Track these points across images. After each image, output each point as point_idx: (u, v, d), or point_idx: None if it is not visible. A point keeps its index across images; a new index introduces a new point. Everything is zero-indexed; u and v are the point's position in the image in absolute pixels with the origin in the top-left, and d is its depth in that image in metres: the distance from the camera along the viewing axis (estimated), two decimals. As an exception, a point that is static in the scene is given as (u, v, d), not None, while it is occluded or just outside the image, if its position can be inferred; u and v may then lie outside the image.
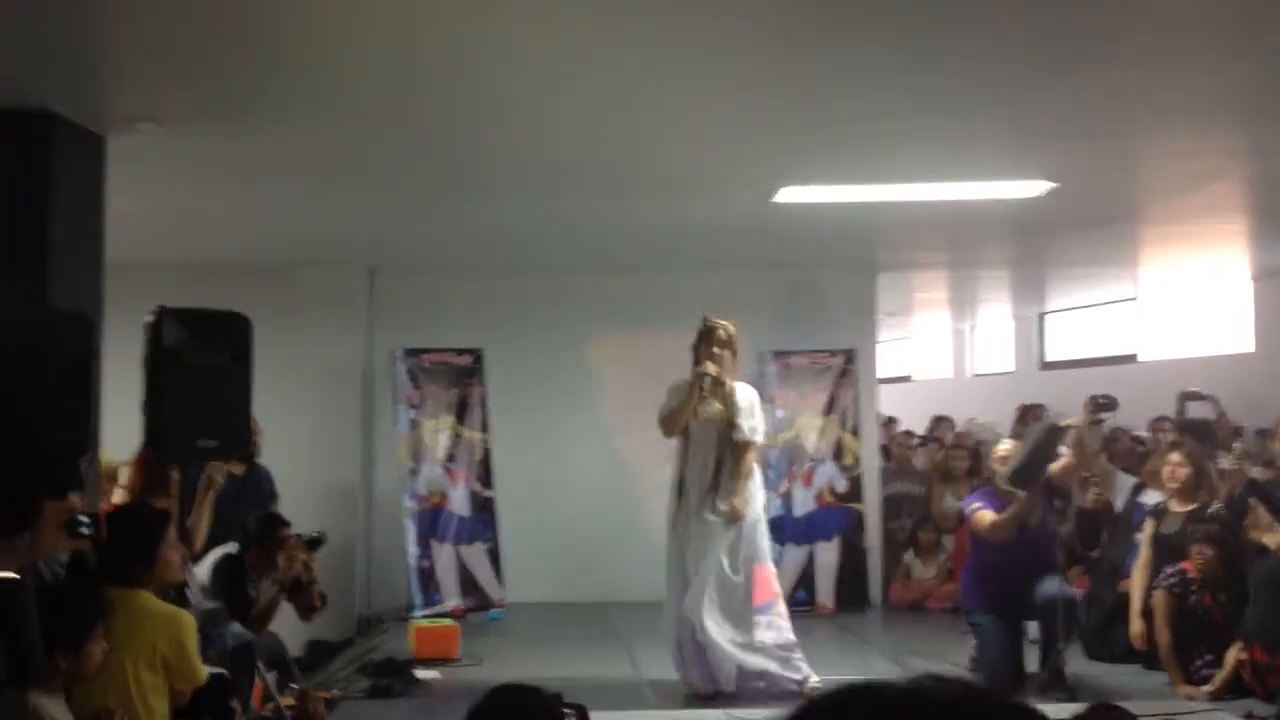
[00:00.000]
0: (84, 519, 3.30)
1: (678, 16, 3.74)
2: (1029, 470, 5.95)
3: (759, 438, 6.03)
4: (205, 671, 3.59)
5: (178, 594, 4.27)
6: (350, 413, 8.80)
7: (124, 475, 5.97)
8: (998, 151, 5.49)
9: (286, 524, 5.63)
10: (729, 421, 5.86)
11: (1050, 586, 5.92)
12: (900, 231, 7.77)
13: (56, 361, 4.59)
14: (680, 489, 5.94)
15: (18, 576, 1.67)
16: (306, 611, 5.68)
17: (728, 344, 5.95)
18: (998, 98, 4.61)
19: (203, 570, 5.30)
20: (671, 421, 5.96)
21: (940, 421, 10.81)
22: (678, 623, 5.84)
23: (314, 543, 5.53)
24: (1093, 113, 4.83)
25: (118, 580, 3.45)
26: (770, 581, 5.99)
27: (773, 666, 5.79)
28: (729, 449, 5.85)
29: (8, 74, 4.29)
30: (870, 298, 9.40)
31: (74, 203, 4.77)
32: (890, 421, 10.66)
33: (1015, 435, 8.48)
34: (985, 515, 6.05)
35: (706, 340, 5.96)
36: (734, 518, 5.81)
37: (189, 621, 3.59)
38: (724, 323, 6.03)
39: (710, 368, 5.86)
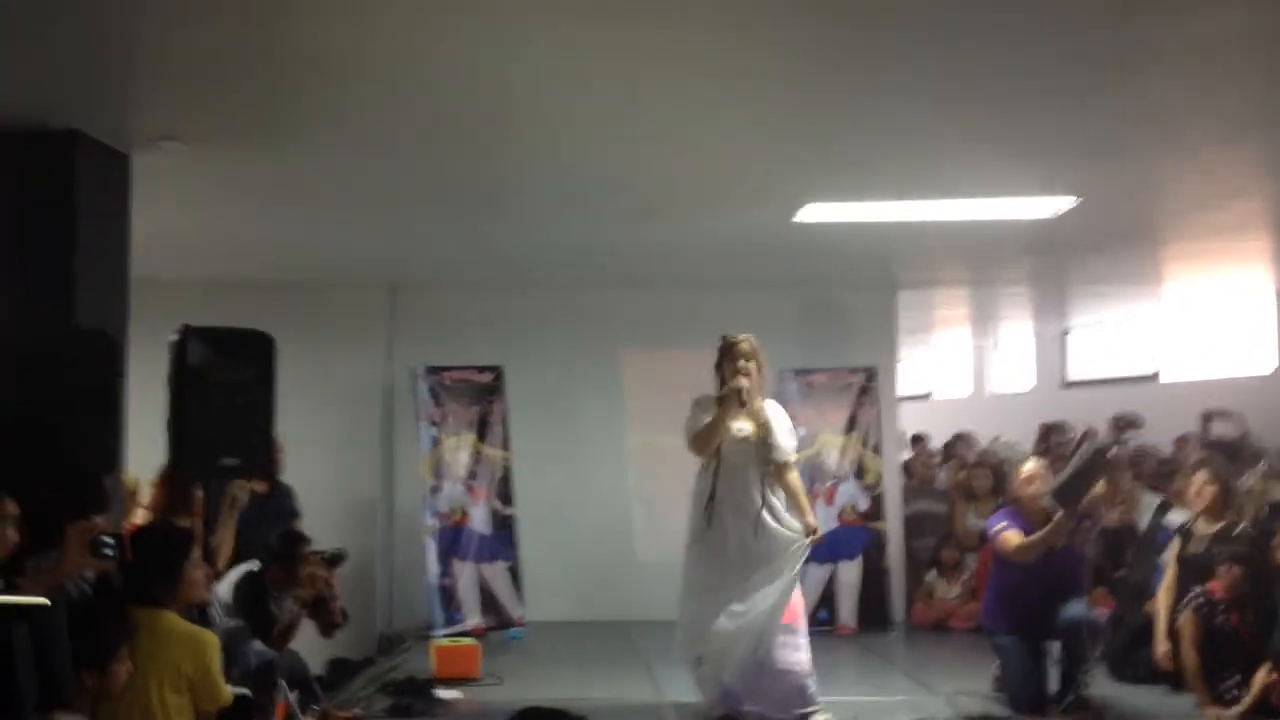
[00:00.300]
0: (108, 540, 3.31)
1: (700, 39, 3.75)
2: (1073, 489, 5.90)
3: (793, 456, 5.89)
4: (229, 692, 3.59)
5: (200, 613, 4.28)
6: (371, 430, 8.83)
7: (145, 493, 6.00)
8: (1021, 168, 5.47)
9: (307, 541, 5.63)
10: (764, 441, 5.71)
11: (1075, 609, 5.87)
12: (921, 249, 7.74)
13: (82, 381, 4.63)
14: (710, 508, 5.72)
15: (49, 602, 1.67)
16: (328, 628, 5.67)
17: (752, 357, 5.80)
18: (1022, 115, 4.60)
19: (224, 588, 5.31)
20: (704, 440, 5.74)
21: (960, 440, 10.73)
22: (713, 641, 5.61)
23: (334, 559, 5.53)
24: (1116, 130, 4.81)
25: (142, 600, 3.45)
26: (797, 605, 5.85)
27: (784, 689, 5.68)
28: (768, 469, 5.71)
29: (35, 94, 4.34)
30: (891, 315, 9.36)
31: (99, 222, 4.81)
32: (918, 439, 10.60)
33: (1038, 454, 8.43)
34: (1011, 537, 5.99)
35: (730, 356, 5.81)
36: (815, 533, 5.71)
37: (213, 642, 3.58)
38: (745, 337, 5.88)
39: (743, 381, 5.68)
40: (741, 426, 5.72)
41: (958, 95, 4.30)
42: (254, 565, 5.47)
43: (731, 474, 5.71)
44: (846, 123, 4.67)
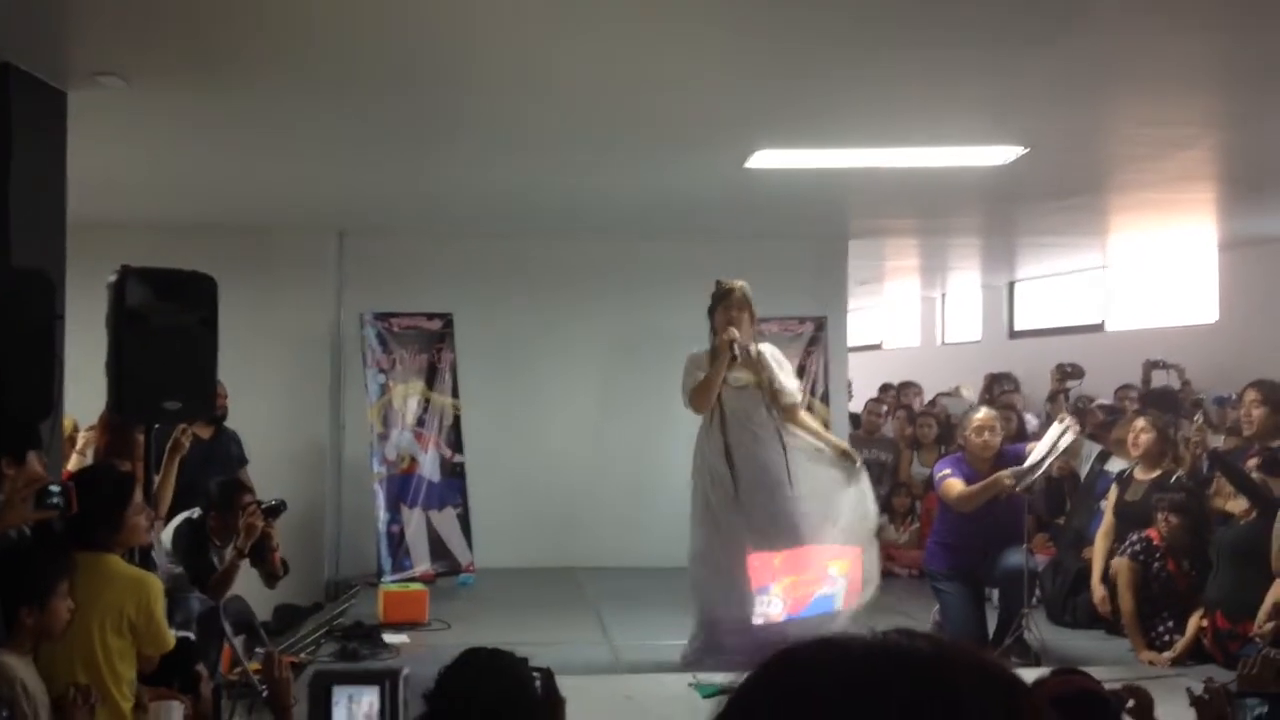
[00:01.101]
0: (54, 489, 3.25)
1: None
2: (1034, 472, 6.01)
3: (799, 396, 5.90)
4: (173, 637, 3.57)
5: (143, 557, 4.24)
6: (320, 377, 8.76)
7: (81, 439, 5.92)
8: (972, 116, 5.48)
9: (248, 489, 5.59)
10: (770, 387, 5.66)
11: (1014, 558, 5.99)
12: (872, 198, 7.76)
13: (19, 323, 4.52)
14: (729, 462, 5.60)
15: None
16: (269, 579, 5.66)
17: (745, 306, 5.75)
18: (974, 63, 4.60)
19: (166, 534, 5.27)
20: (702, 395, 5.65)
21: (907, 387, 10.87)
22: (723, 604, 5.59)
23: (274, 510, 5.48)
24: (1066, 79, 4.83)
25: (84, 544, 3.41)
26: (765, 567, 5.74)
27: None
28: (775, 418, 5.68)
29: (-35, 26, 4.19)
30: (842, 265, 9.41)
31: (35, 160, 4.68)
32: (906, 386, 10.72)
33: (983, 403, 8.55)
34: (954, 484, 6.08)
35: (724, 303, 5.72)
36: (853, 458, 5.80)
37: (156, 585, 3.56)
38: (739, 284, 5.80)
39: (734, 332, 5.61)
40: (738, 377, 5.65)
41: (910, 41, 4.28)
42: (194, 513, 5.42)
43: (740, 425, 5.65)
44: (798, 67, 4.64)
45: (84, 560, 3.37)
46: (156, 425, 4.86)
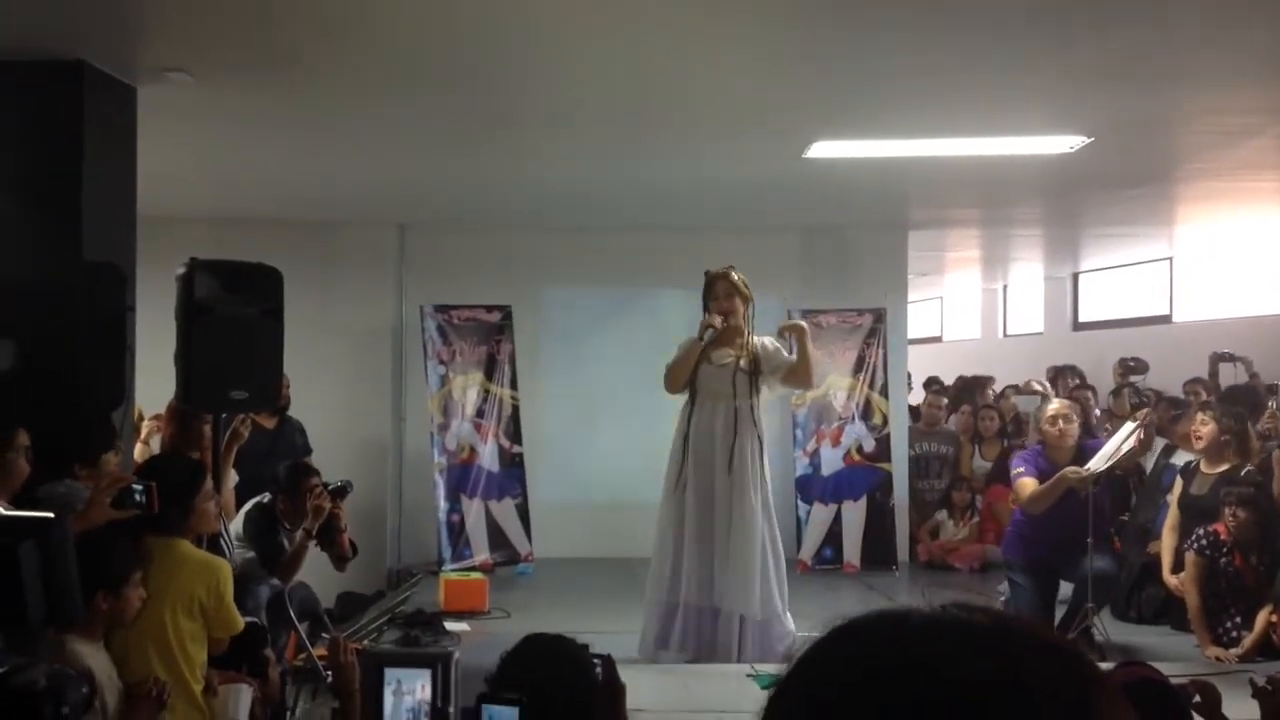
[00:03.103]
0: (137, 488, 3.32)
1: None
2: (1105, 462, 5.93)
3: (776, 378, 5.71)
4: (242, 620, 3.64)
5: (211, 544, 4.33)
6: (381, 368, 8.87)
7: (145, 428, 6.05)
8: (1034, 105, 5.41)
9: (315, 472, 5.68)
10: (752, 367, 5.57)
11: (1100, 562, 5.90)
12: (933, 188, 7.69)
13: (91, 315, 4.64)
14: (685, 445, 5.60)
15: (53, 515, 1.70)
16: (338, 561, 5.74)
17: (734, 292, 5.67)
18: (1036, 51, 4.54)
19: (236, 521, 5.37)
20: (673, 375, 5.69)
21: (975, 381, 10.75)
22: (671, 589, 5.55)
23: (340, 491, 5.56)
24: (1131, 66, 4.75)
25: (156, 529, 3.48)
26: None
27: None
28: (746, 400, 5.58)
29: (39, 24, 4.30)
30: (901, 256, 9.32)
31: (106, 155, 4.79)
32: (975, 380, 10.60)
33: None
34: (1027, 484, 6.00)
35: (710, 292, 5.71)
36: (797, 329, 5.73)
37: (226, 569, 3.63)
38: (724, 271, 5.74)
39: (716, 319, 5.61)
40: (722, 354, 5.61)
41: (970, 30, 4.24)
42: (264, 498, 5.52)
43: (707, 405, 5.61)
44: (857, 58, 4.61)
45: (155, 545, 3.44)
46: (224, 415, 4.95)
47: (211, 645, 3.57)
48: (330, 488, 5.45)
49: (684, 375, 5.66)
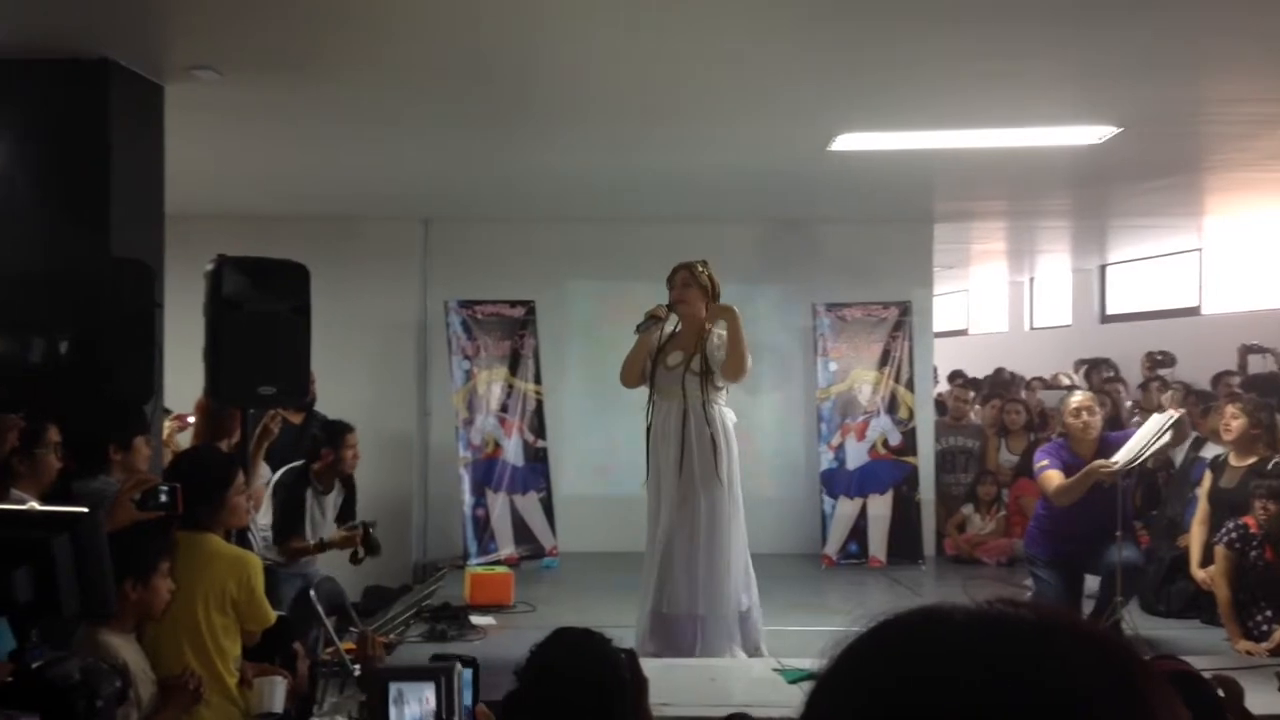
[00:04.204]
0: (162, 489, 3.36)
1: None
2: (1137, 459, 5.88)
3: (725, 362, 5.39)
4: (273, 613, 3.66)
5: (240, 538, 4.36)
6: (406, 363, 8.91)
7: (166, 429, 6.12)
8: (1063, 95, 5.37)
9: (351, 428, 5.86)
10: (703, 366, 5.34)
11: (1127, 552, 5.86)
12: (958, 180, 7.64)
13: (120, 311, 4.68)
14: (647, 445, 5.51)
15: (86, 510, 1.71)
16: (355, 559, 5.83)
17: (690, 284, 5.45)
18: (1066, 39, 4.50)
19: (263, 513, 5.42)
20: (624, 371, 5.57)
21: (1001, 374, 10.70)
22: (656, 595, 5.42)
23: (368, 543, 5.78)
24: (1162, 54, 4.70)
25: (185, 523, 3.51)
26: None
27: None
28: (698, 400, 5.37)
29: (67, 23, 4.33)
30: (927, 249, 9.27)
31: (134, 153, 4.83)
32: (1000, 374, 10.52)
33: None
34: (1052, 477, 5.96)
35: (670, 282, 5.56)
36: (726, 313, 5.34)
37: (256, 563, 3.65)
38: (683, 264, 5.56)
39: (660, 309, 5.45)
40: (673, 356, 5.46)
41: (996, 18, 4.21)
42: (299, 463, 5.73)
43: (662, 408, 5.49)
44: (882, 48, 4.59)
45: (185, 540, 3.47)
46: (252, 410, 4.98)
47: (244, 638, 3.60)
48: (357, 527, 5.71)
49: (634, 371, 5.54)
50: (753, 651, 5.49)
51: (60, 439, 4.02)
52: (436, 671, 2.70)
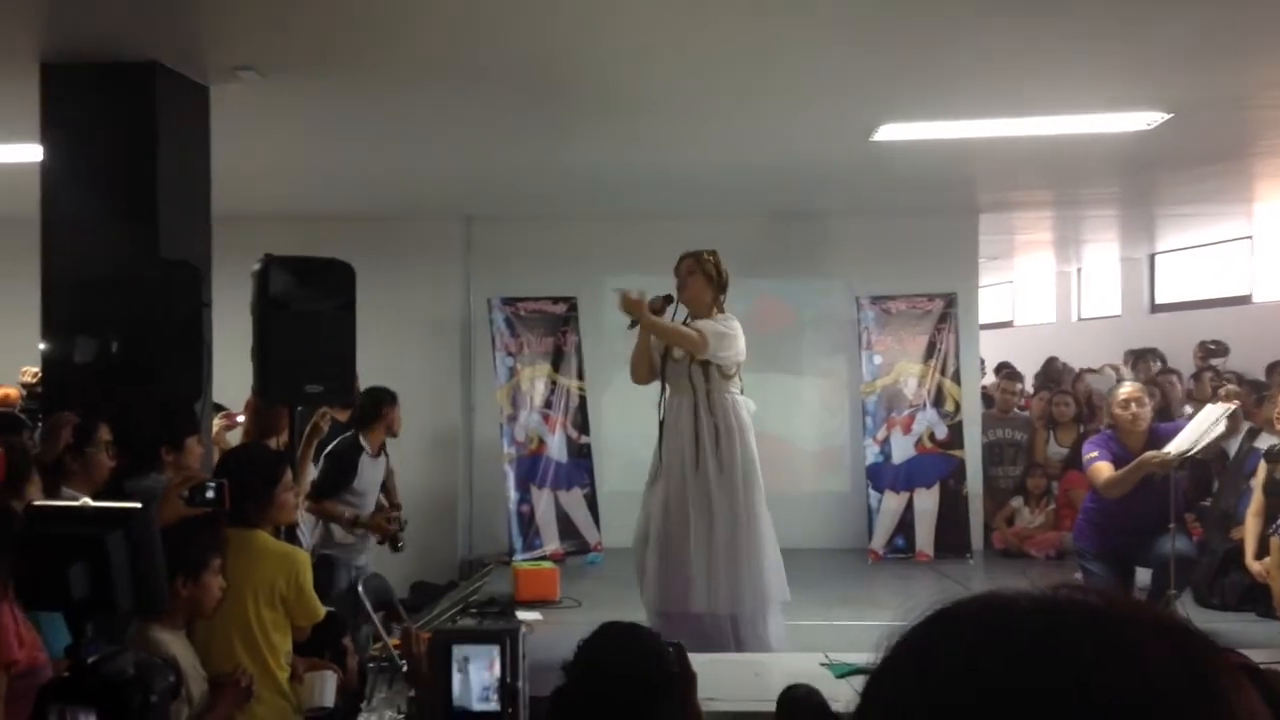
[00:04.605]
0: (209, 485, 3.39)
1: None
2: (1190, 450, 5.79)
3: (716, 360, 5.26)
4: (322, 608, 3.69)
5: (288, 535, 4.40)
6: (451, 361, 8.96)
7: (214, 427, 6.22)
8: (1110, 81, 5.28)
9: (393, 395, 6.25)
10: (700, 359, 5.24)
11: (1180, 544, 5.77)
12: (1004, 170, 7.56)
13: (169, 311, 4.74)
14: (660, 438, 5.43)
15: (140, 505, 1.74)
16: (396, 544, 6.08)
17: (695, 272, 5.32)
18: (1113, 24, 4.43)
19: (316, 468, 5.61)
20: (632, 366, 5.50)
21: (1059, 366, 10.58)
22: (660, 593, 5.31)
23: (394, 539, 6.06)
24: (1210, 39, 4.62)
25: (235, 520, 3.54)
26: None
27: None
28: (704, 390, 5.27)
29: (114, 27, 4.39)
30: (972, 240, 9.18)
31: (181, 154, 4.88)
32: (1004, 368, 10.40)
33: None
34: (1101, 469, 5.88)
35: (676, 274, 5.43)
36: (629, 305, 5.15)
37: (305, 559, 3.67)
38: (689, 254, 5.44)
39: (658, 301, 5.32)
40: (679, 349, 5.34)
41: (1044, 4, 4.15)
42: (349, 434, 6.00)
43: (673, 402, 5.40)
44: (926, 36, 4.54)
45: (235, 536, 3.50)
46: (299, 408, 5.03)
47: (293, 633, 3.63)
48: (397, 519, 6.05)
49: (640, 367, 5.44)
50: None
51: (111, 438, 4.07)
52: (501, 634, 2.68)
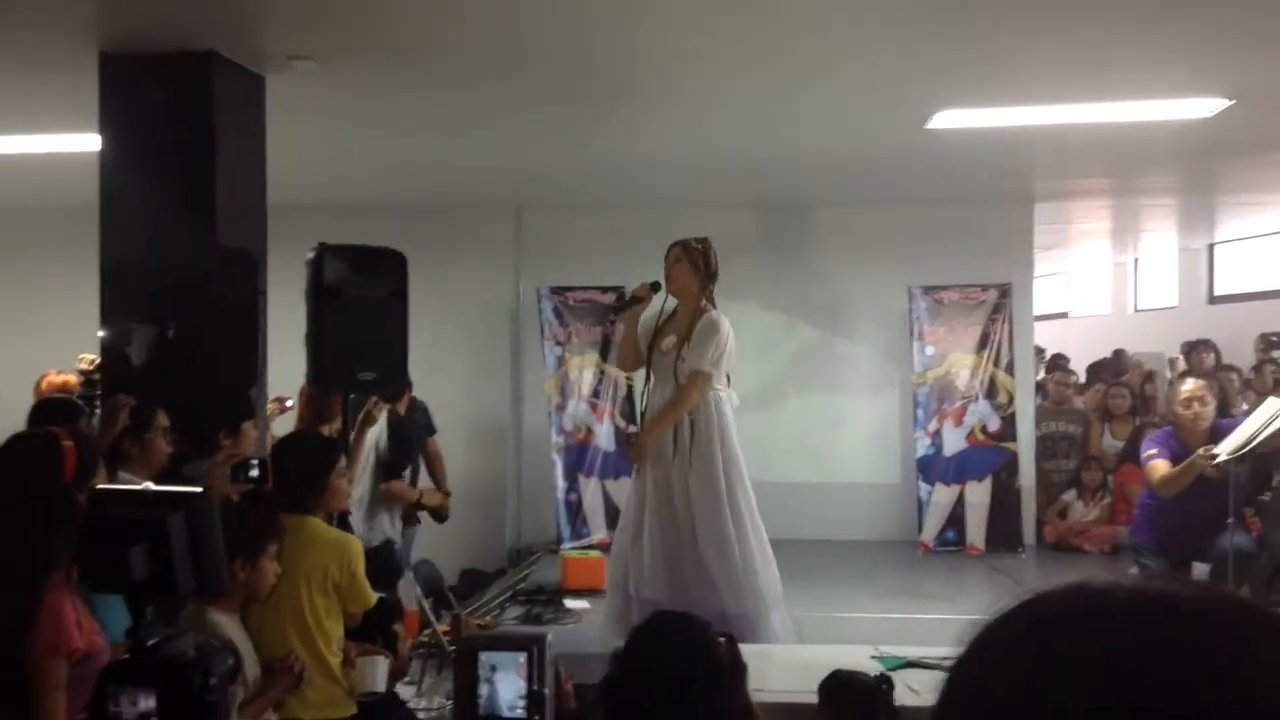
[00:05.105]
0: (253, 463, 3.42)
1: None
2: (1246, 446, 5.68)
3: (708, 367, 5.10)
4: (374, 594, 3.71)
5: (340, 522, 4.44)
6: (500, 350, 8.99)
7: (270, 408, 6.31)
8: (1170, 67, 5.18)
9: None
10: (682, 354, 5.10)
11: (1239, 538, 5.67)
12: (1060, 158, 7.44)
13: (226, 299, 4.80)
14: (640, 428, 5.33)
15: (200, 489, 1.76)
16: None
17: (681, 260, 5.17)
18: (1173, 9, 4.34)
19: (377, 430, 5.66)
20: (622, 353, 5.44)
21: (1127, 357, 10.45)
22: (621, 584, 5.25)
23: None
24: (1274, 23, 4.50)
25: (289, 507, 3.58)
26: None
27: None
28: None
29: (171, 17, 4.44)
30: (1027, 229, 9.04)
31: (238, 143, 4.93)
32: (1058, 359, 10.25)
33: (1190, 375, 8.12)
34: (1158, 467, 5.79)
35: (666, 260, 5.30)
36: (633, 455, 5.10)
37: (357, 546, 3.70)
38: (679, 241, 5.25)
39: (642, 289, 5.23)
40: (668, 340, 5.22)
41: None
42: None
43: (660, 396, 5.26)
44: (982, 21, 4.47)
45: (288, 523, 3.52)
46: (352, 395, 5.07)
47: (345, 619, 3.66)
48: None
49: (629, 353, 5.35)
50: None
51: (169, 423, 4.13)
52: (528, 641, 2.67)
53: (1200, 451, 5.64)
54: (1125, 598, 0.62)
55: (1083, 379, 10.13)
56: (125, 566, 1.71)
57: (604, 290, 8.67)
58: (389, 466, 5.79)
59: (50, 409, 4.86)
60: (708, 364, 5.07)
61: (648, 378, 5.33)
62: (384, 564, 5.53)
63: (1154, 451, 5.88)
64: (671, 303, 5.32)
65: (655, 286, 5.24)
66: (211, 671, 1.71)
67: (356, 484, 5.74)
